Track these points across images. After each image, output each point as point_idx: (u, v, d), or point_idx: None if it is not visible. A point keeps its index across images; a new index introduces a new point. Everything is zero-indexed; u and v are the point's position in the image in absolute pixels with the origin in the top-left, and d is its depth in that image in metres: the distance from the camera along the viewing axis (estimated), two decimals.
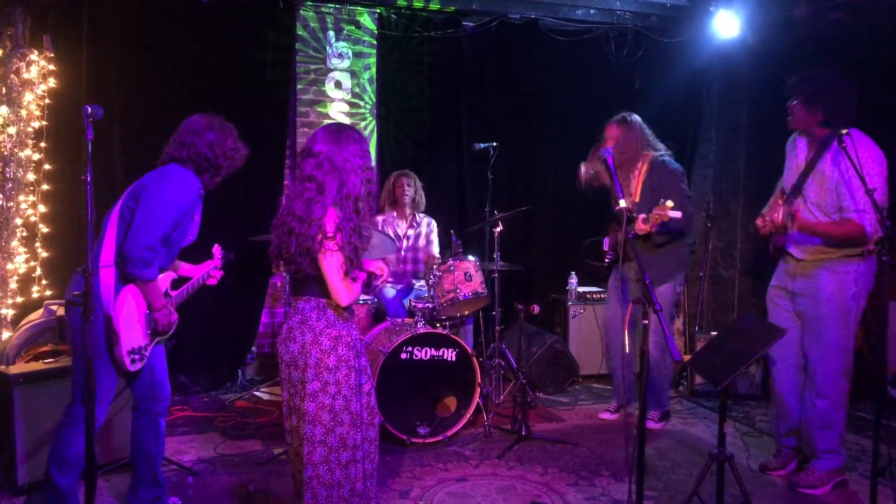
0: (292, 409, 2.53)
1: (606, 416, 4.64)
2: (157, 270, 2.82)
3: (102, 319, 2.74)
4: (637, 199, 4.22)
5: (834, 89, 3.39)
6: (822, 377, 3.44)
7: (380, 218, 5.09)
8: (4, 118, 4.22)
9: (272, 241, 2.53)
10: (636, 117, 4.32)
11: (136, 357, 2.81)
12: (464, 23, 5.55)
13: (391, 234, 4.91)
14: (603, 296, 5.20)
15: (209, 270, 3.27)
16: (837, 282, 3.39)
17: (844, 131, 3.01)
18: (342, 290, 2.43)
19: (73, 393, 2.82)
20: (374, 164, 5.43)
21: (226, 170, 3.01)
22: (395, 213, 5.08)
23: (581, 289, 5.60)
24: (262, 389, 5.06)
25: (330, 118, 5.34)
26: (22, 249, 4.33)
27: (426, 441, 4.02)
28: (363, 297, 4.85)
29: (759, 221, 3.68)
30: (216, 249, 3.35)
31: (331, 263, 2.40)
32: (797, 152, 3.57)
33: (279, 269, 2.56)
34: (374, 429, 2.64)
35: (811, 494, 3.45)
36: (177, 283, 3.12)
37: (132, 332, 2.79)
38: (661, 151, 4.29)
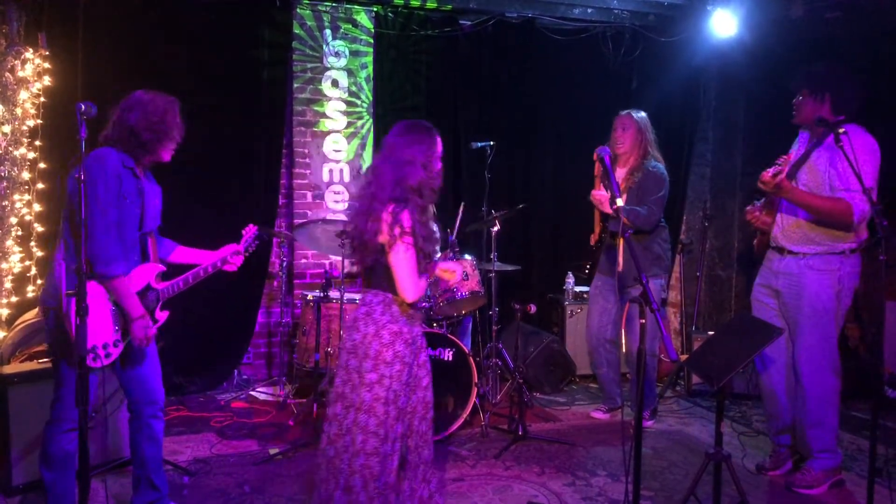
0: (339, 396, 2.54)
1: (598, 414, 4.64)
2: (120, 266, 2.69)
3: (52, 315, 2.69)
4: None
5: (839, 80, 3.41)
6: (807, 375, 3.45)
7: None
8: None
9: (348, 234, 2.61)
10: (646, 117, 4.37)
11: (98, 353, 2.68)
12: (461, 21, 5.54)
13: None
14: None
15: (226, 256, 3.05)
16: (821, 281, 3.40)
17: (842, 130, 3.01)
18: (409, 285, 2.47)
19: (54, 392, 2.80)
20: (371, 163, 5.44)
21: (157, 144, 2.81)
22: None
23: (578, 288, 5.59)
24: (258, 389, 5.05)
25: (327, 117, 5.33)
26: (17, 248, 4.32)
27: None
28: (359, 296, 4.84)
29: (749, 208, 3.71)
30: (248, 230, 3.14)
31: (401, 258, 2.43)
32: (799, 146, 3.59)
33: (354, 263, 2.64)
34: (426, 423, 2.67)
35: (807, 494, 3.45)
36: (174, 273, 2.97)
37: (92, 329, 2.65)
38: (658, 159, 4.33)
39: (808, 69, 3.49)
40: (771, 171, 3.26)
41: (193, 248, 3.15)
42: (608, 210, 4.17)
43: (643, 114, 4.38)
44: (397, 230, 2.41)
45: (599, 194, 4.26)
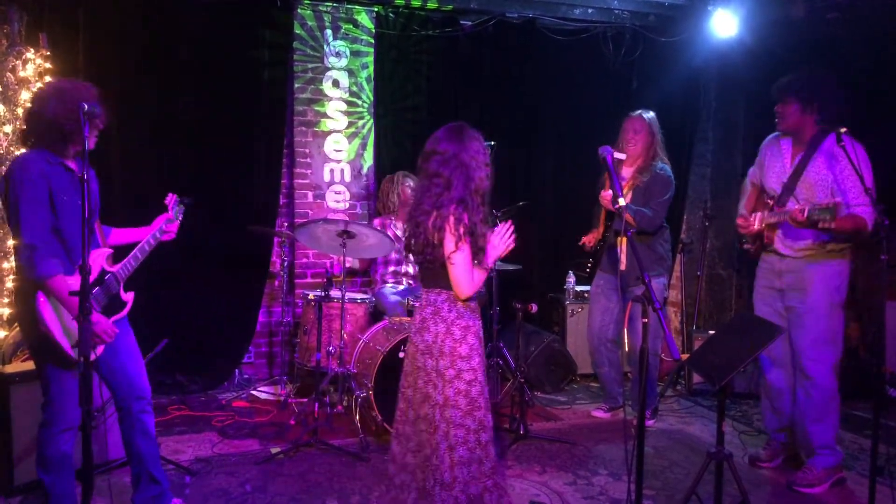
0: (425, 397, 2.60)
1: (599, 413, 4.65)
2: (49, 266, 2.60)
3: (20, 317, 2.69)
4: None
5: (826, 89, 3.46)
6: (814, 369, 3.48)
7: (377, 221, 5.07)
8: (0, 116, 4.19)
9: (404, 234, 2.69)
10: (655, 118, 4.38)
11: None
12: (461, 21, 5.54)
13: (391, 235, 4.88)
14: None
15: (161, 226, 3.01)
16: (824, 275, 3.46)
17: (843, 129, 3.04)
18: (465, 282, 2.55)
19: (44, 395, 2.79)
20: (371, 163, 5.45)
21: (80, 134, 2.51)
22: (392, 217, 5.06)
23: (579, 288, 5.60)
24: (259, 389, 5.05)
25: (328, 117, 5.33)
26: None
27: None
28: (360, 295, 4.84)
29: (740, 221, 3.75)
30: (169, 199, 3.10)
31: (459, 257, 2.52)
32: (782, 153, 3.61)
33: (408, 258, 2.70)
34: None
35: (809, 493, 3.45)
36: (123, 254, 2.93)
37: (70, 325, 2.65)
38: (666, 161, 4.36)
39: (794, 79, 3.52)
40: (805, 210, 3.23)
41: (127, 228, 3.12)
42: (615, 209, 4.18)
43: (652, 114, 4.39)
44: (462, 229, 2.50)
45: (609, 194, 4.25)
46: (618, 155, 4.24)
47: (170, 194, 3.13)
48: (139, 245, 2.96)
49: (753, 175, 3.86)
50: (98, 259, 2.84)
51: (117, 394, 2.90)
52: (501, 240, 2.70)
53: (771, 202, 3.59)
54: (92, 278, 2.77)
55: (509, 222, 2.73)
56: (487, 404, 2.63)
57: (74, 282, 2.65)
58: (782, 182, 3.54)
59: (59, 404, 2.74)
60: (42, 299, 2.66)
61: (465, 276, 2.54)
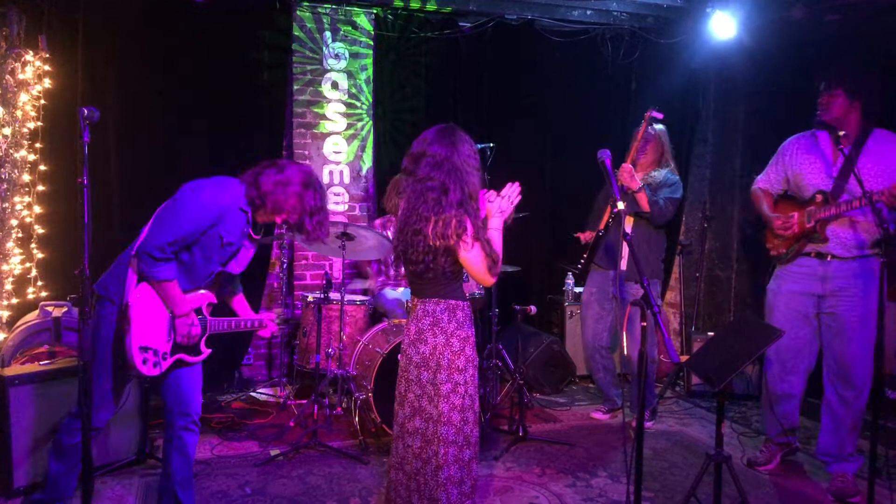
0: (417, 410, 2.51)
1: (598, 415, 4.66)
2: (169, 271, 2.69)
3: (117, 309, 2.71)
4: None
5: (871, 83, 3.42)
6: (861, 376, 3.43)
7: (378, 221, 5.08)
8: None
9: (395, 243, 2.60)
10: (664, 130, 4.44)
11: (149, 357, 2.71)
12: (460, 23, 5.54)
13: (389, 237, 4.89)
14: None
15: (263, 320, 3.14)
16: (868, 282, 3.41)
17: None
18: (487, 276, 2.49)
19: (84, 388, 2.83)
20: (370, 164, 5.45)
21: (270, 212, 2.89)
22: (393, 218, 5.06)
23: (578, 289, 5.60)
24: (258, 390, 5.05)
25: (327, 118, 5.33)
26: (17, 250, 4.32)
27: None
28: (360, 297, 4.84)
29: (778, 223, 3.61)
30: (270, 326, 3.21)
31: (474, 256, 2.45)
32: (821, 148, 3.52)
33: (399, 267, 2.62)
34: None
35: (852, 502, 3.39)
36: (221, 313, 3.06)
37: (148, 329, 2.71)
38: (674, 170, 4.41)
39: (844, 68, 3.47)
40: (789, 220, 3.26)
41: (247, 304, 3.23)
42: (635, 185, 4.17)
43: (662, 128, 4.43)
44: (471, 231, 2.43)
45: (629, 167, 4.23)
46: (659, 123, 4.30)
47: (273, 321, 3.20)
48: (238, 318, 3.06)
49: (766, 181, 3.77)
50: (200, 299, 2.91)
51: (165, 404, 2.90)
52: (506, 200, 2.61)
53: (820, 197, 3.45)
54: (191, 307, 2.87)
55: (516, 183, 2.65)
56: (476, 417, 2.55)
57: (194, 300, 2.85)
58: (831, 176, 3.44)
59: (94, 402, 2.74)
60: (141, 290, 2.71)
61: (485, 271, 2.47)
